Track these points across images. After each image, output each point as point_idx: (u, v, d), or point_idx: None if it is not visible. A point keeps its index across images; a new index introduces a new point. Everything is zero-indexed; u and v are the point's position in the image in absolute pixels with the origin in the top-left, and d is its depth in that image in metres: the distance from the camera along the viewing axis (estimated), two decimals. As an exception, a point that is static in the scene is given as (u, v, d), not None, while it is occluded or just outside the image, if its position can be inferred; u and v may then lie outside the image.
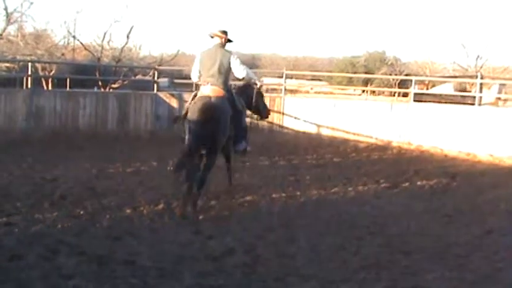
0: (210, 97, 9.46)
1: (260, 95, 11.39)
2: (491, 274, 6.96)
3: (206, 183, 9.30)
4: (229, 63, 9.84)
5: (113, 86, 26.69)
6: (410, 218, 9.41)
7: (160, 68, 25.12)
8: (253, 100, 11.12)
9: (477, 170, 14.50)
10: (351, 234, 8.33)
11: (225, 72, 9.81)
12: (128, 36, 29.96)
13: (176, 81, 29.00)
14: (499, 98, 30.57)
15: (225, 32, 10.07)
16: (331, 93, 43.80)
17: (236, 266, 6.78)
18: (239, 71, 10.01)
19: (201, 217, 8.79)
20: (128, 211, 8.88)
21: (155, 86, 19.67)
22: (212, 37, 10.06)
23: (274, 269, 6.73)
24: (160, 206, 9.20)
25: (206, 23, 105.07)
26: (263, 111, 11.67)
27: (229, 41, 10.19)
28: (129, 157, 13.50)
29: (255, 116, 11.83)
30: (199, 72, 9.93)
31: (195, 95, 9.87)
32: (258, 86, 11.02)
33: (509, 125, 16.45)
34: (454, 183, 12.53)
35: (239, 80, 10.79)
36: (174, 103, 18.88)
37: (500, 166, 15.45)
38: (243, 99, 10.80)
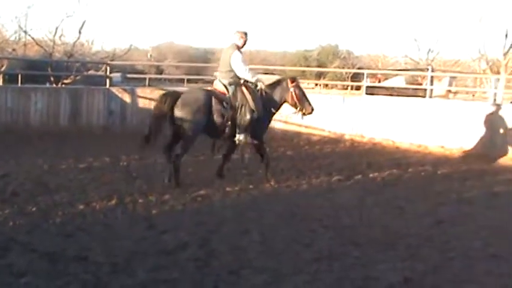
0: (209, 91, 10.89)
1: (300, 89, 11.51)
2: (442, 264, 7.08)
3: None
4: (230, 60, 10.85)
5: (65, 81, 26.48)
6: (362, 210, 9.53)
7: (113, 63, 24.93)
8: (292, 96, 11.36)
9: (428, 161, 14.67)
10: (303, 226, 8.40)
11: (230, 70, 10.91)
12: (80, 31, 29.79)
13: (129, 76, 28.86)
14: (449, 91, 30.95)
15: (245, 34, 11.30)
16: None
17: (190, 259, 6.78)
18: (237, 70, 10.91)
19: (154, 212, 8.79)
20: (81, 207, 8.83)
21: (108, 81, 19.52)
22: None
23: (228, 262, 6.76)
24: (113, 202, 9.18)
25: (158, 18, 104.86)
26: (306, 107, 11.54)
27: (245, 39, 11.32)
28: (81, 153, 13.38)
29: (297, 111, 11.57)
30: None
31: None
32: (258, 87, 11.14)
33: (460, 117, 16.68)
34: (406, 175, 12.69)
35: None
36: (126, 98, 18.76)
37: (451, 158, 15.66)
38: (277, 96, 11.34)
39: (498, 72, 35.02)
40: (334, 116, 18.40)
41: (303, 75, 52.51)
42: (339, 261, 7.00)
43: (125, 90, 19.31)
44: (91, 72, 32.38)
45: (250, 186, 10.78)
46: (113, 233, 7.72)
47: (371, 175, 12.43)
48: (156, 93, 18.77)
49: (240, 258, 6.95)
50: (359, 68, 42.24)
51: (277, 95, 11.32)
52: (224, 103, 10.73)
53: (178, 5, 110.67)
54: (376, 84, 31.65)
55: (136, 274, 6.26)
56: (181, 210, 9.05)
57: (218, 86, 11.05)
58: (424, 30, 71.83)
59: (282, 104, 11.48)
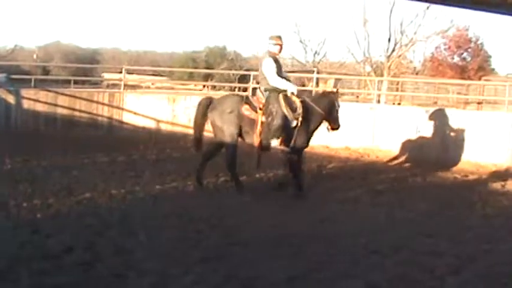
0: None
1: (333, 105, 11.63)
2: (325, 261, 7.21)
3: None
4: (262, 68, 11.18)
5: None
6: (249, 210, 9.64)
7: (-3, 63, 24.24)
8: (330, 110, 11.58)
9: (314, 160, 14.93)
10: (190, 227, 8.42)
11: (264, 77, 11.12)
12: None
13: (14, 77, 28.10)
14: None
15: (279, 38, 11.28)
16: (172, 88, 43.74)
17: (75, 263, 6.66)
18: (268, 77, 11.05)
19: (38, 216, 8.62)
20: (-39, 212, 8.57)
21: (-9, 82, 19.01)
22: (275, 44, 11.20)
23: (114, 265, 6.69)
24: (-5, 207, 8.92)
25: (44, 17, 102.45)
26: (335, 122, 11.77)
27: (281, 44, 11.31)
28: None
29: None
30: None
31: None
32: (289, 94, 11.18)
33: (344, 117, 17.04)
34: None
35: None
36: (11, 99, 18.34)
37: (337, 157, 16.05)
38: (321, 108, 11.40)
39: (382, 75, 36.08)
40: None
41: (191, 76, 52.56)
42: (226, 261, 7.06)
43: (9, 91, 18.85)
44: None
45: (137, 188, 10.73)
46: (-4, 238, 7.53)
47: (257, 175, 12.57)
48: (42, 94, 18.48)
49: (127, 260, 6.88)
50: (246, 70, 42.51)
51: (321, 107, 11.38)
52: (257, 109, 10.95)
53: (65, 3, 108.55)
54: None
55: (20, 280, 6.11)
56: (67, 214, 8.88)
57: (258, 93, 11.31)
58: (311, 32, 73.02)
59: (324, 117, 11.56)
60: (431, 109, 17.60)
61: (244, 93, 11.39)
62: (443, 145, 16.10)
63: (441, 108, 19.15)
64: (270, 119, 10.87)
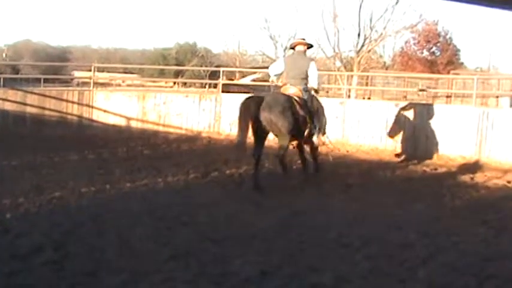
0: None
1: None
2: (295, 254, 7.27)
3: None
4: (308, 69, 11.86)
5: None
6: (220, 207, 9.62)
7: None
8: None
9: (288, 155, 14.96)
10: (161, 225, 8.38)
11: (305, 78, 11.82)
12: None
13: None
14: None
15: (304, 40, 12.15)
16: (143, 85, 43.64)
17: (45, 263, 6.61)
18: (313, 79, 11.88)
19: (8, 215, 8.56)
20: None
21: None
22: (293, 47, 12.22)
23: (84, 264, 6.64)
24: (-35, 207, 8.85)
25: (13, 15, 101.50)
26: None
27: (311, 46, 12.57)
28: None
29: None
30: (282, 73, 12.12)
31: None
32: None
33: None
34: (263, 170, 12.91)
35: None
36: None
37: (307, 151, 16.05)
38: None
39: (352, 70, 36.23)
40: (191, 114, 18.53)
41: (162, 73, 52.42)
42: (197, 258, 7.03)
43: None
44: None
45: (107, 187, 10.67)
46: (-37, 240, 7.46)
47: (228, 171, 12.60)
48: (11, 93, 18.33)
49: (97, 259, 6.85)
50: (217, 66, 42.53)
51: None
52: (303, 106, 11.54)
53: (34, 1, 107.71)
54: (232, 82, 32.07)
55: (-12, 281, 6.08)
56: (36, 213, 8.81)
57: (292, 91, 11.70)
58: (281, 28, 73.19)
59: None
60: (401, 103, 17.76)
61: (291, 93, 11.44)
62: (413, 139, 16.23)
63: (410, 102, 19.32)
64: (316, 116, 11.76)
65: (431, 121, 16.15)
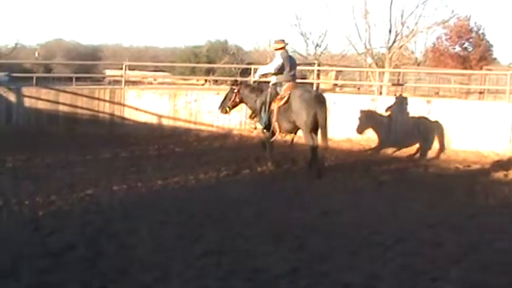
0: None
1: None
2: (328, 252, 7.24)
3: None
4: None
5: None
6: (251, 204, 9.63)
7: (-2, 61, 24.21)
8: None
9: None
10: (192, 222, 8.41)
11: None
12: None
13: (15, 75, 28.11)
14: (335, 84, 31.60)
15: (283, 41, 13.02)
16: (174, 83, 43.72)
17: (77, 261, 6.66)
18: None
19: (40, 213, 8.63)
20: (-36, 210, 8.57)
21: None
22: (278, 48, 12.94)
23: (116, 262, 6.70)
24: (-2, 205, 8.93)
25: (45, 15, 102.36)
26: None
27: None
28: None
29: None
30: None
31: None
32: None
33: (345, 109, 17.10)
34: (295, 168, 12.91)
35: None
36: (12, 98, 18.33)
37: (338, 149, 16.00)
38: None
39: (383, 66, 36.00)
40: (223, 111, 18.54)
41: (193, 71, 52.49)
42: (228, 255, 7.05)
43: (11, 89, 18.83)
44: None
45: (139, 184, 10.73)
46: (-2, 237, 7.53)
47: (259, 169, 12.59)
48: (43, 92, 18.49)
49: (129, 256, 6.89)
50: (248, 64, 42.47)
51: None
52: None
53: (66, 1, 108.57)
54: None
55: (22, 278, 6.11)
56: (69, 211, 8.88)
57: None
58: (312, 25, 72.96)
59: None
60: (433, 99, 17.62)
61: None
62: (446, 135, 16.08)
63: (443, 98, 19.16)
64: None
65: (464, 118, 15.99)
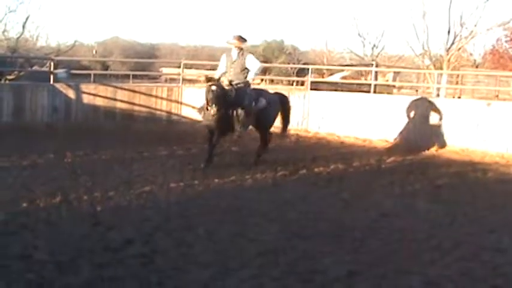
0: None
1: None
2: (386, 255, 7.17)
3: None
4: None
5: (9, 77, 26.05)
6: (308, 204, 9.61)
7: (58, 58, 24.54)
8: None
9: (373, 155, 14.83)
10: (248, 221, 8.41)
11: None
12: (23, 27, 29.28)
13: (74, 71, 28.49)
14: (393, 86, 31.35)
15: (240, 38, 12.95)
16: (230, 82, 43.80)
17: (135, 256, 6.72)
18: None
19: (99, 208, 8.72)
20: (24, 204, 8.69)
21: (52, 77, 19.20)
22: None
23: (173, 259, 6.73)
24: (58, 199, 9.05)
25: (103, 13, 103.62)
26: None
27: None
28: (25, 150, 13.14)
29: None
30: None
31: None
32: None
33: (403, 111, 16.93)
34: (351, 169, 12.83)
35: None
36: (71, 94, 18.57)
37: (395, 151, 15.85)
38: None
39: (441, 68, 35.55)
40: (279, 111, 18.51)
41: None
42: (285, 255, 7.03)
43: (69, 86, 19.10)
44: (35, 68, 31.83)
45: (195, 182, 10.76)
46: (58, 231, 7.62)
47: (316, 169, 12.54)
48: (101, 89, 18.70)
49: (185, 254, 6.93)
50: (304, 64, 42.39)
51: None
52: None
53: None
54: (320, 79, 31.88)
55: (81, 272, 6.18)
56: (127, 207, 8.97)
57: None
58: (369, 25, 72.49)
59: None
60: (494, 102, 17.33)
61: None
62: (506, 140, 15.79)
63: (503, 101, 18.84)
64: None
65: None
